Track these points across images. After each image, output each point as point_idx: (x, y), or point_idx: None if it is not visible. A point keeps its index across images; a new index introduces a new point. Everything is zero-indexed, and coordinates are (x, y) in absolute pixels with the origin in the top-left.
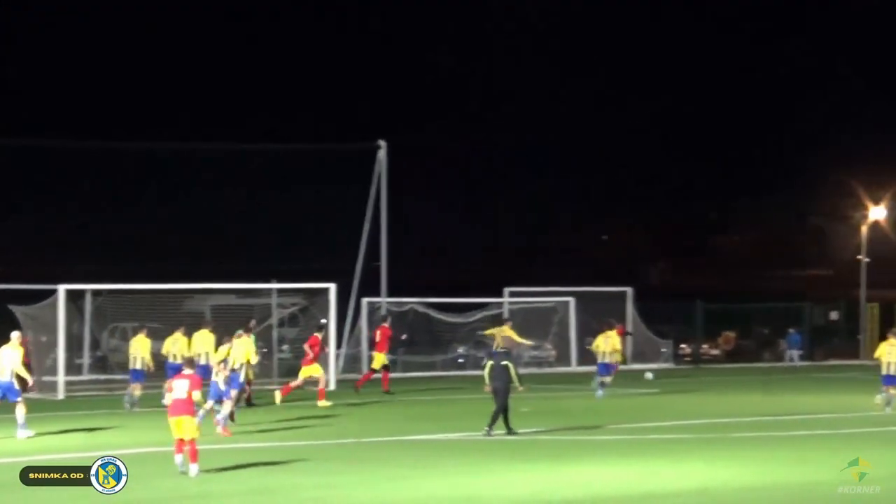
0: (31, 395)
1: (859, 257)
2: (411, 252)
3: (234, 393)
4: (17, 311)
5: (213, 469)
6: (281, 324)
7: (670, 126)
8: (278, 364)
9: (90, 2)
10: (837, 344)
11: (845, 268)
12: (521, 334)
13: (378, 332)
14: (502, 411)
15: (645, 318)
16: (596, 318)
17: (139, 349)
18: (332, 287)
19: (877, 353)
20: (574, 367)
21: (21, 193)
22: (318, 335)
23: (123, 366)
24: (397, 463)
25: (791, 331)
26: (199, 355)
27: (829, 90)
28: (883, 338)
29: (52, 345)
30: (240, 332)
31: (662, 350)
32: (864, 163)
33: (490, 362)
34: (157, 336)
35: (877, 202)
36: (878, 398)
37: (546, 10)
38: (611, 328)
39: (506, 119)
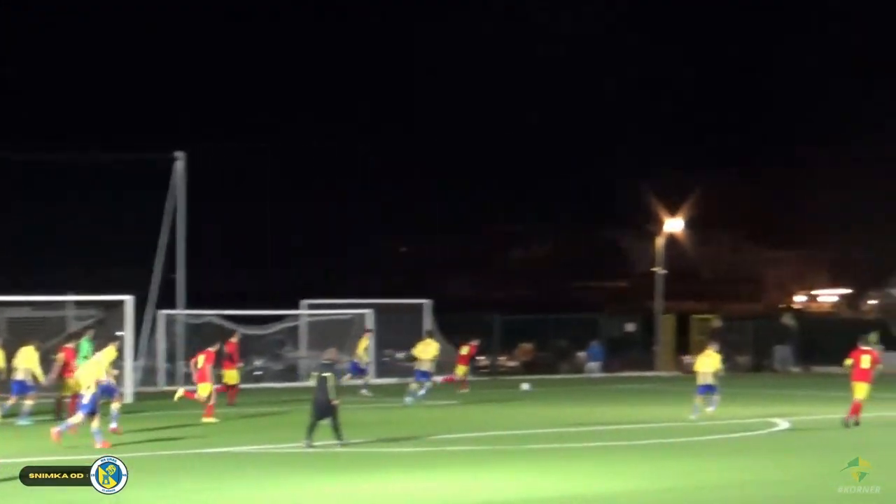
0: None
1: (655, 269)
2: (210, 263)
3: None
4: None
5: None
6: (77, 336)
7: (465, 140)
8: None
9: None
10: (634, 355)
11: (641, 280)
12: (318, 347)
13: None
14: (318, 423)
15: (444, 330)
16: (396, 329)
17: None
18: (128, 299)
19: (696, 366)
20: (372, 380)
21: None
22: (213, 350)
23: None
24: (193, 476)
25: (593, 343)
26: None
27: (621, 101)
28: (684, 349)
29: None
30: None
31: None
32: (660, 175)
33: (315, 374)
34: None
35: (673, 214)
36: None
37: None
38: (430, 336)
39: (303, 128)
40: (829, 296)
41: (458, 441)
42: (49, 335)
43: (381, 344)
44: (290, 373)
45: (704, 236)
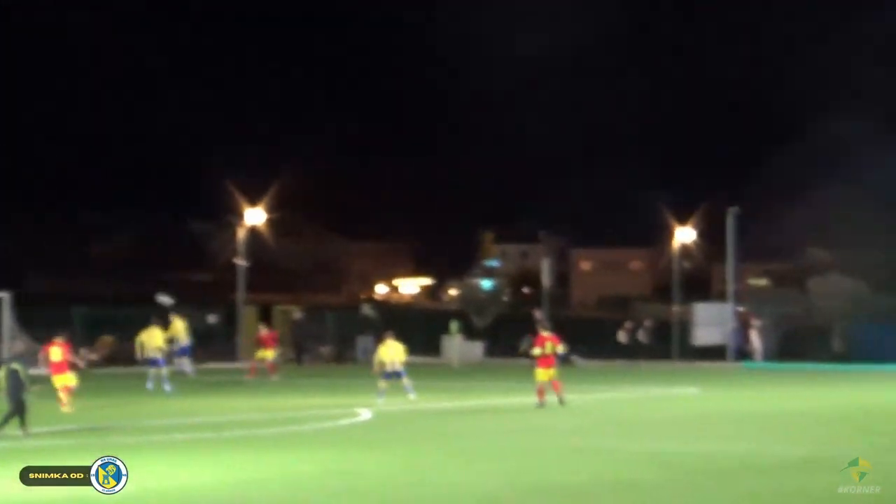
0: None
1: (237, 261)
2: None
3: None
4: None
5: None
6: None
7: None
8: None
9: None
10: (216, 347)
11: (224, 271)
12: None
13: None
14: (16, 414)
15: (24, 323)
16: None
17: None
18: None
19: (379, 356)
20: None
21: None
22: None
23: None
24: None
25: None
26: None
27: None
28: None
29: None
30: None
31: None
32: (244, 167)
33: (3, 367)
34: None
35: (254, 206)
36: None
37: None
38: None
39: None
40: (410, 286)
41: None
42: None
43: None
44: None
45: (287, 227)
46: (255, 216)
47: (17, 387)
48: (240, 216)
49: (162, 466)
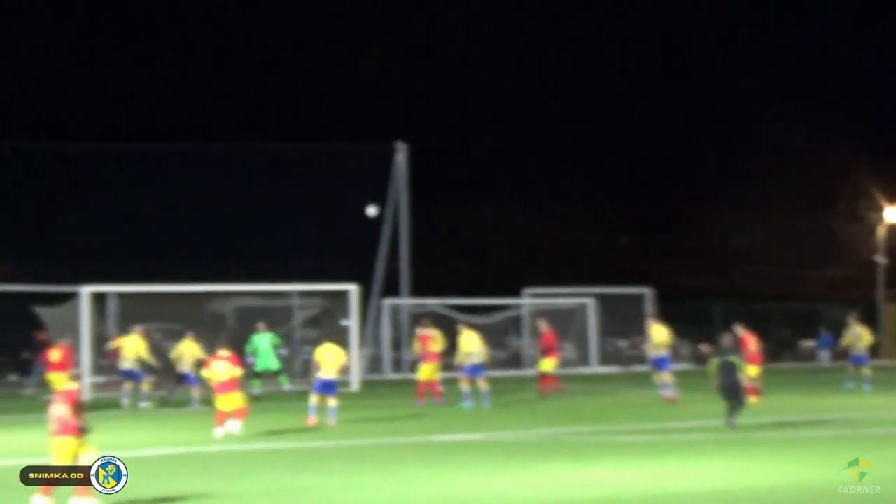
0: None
1: (876, 258)
2: (433, 253)
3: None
4: (43, 312)
5: (238, 470)
6: (303, 325)
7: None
8: (302, 365)
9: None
10: None
11: (862, 268)
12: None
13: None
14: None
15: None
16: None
17: (136, 350)
18: (352, 289)
19: None
20: (594, 368)
21: (44, 196)
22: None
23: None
24: (420, 463)
25: (822, 331)
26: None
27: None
28: None
29: (77, 346)
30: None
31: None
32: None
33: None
34: (175, 338)
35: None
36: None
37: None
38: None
39: (522, 120)
40: None
41: (676, 430)
42: (276, 324)
43: (605, 332)
44: (514, 361)
45: None
46: (894, 213)
47: (731, 377)
48: (879, 212)
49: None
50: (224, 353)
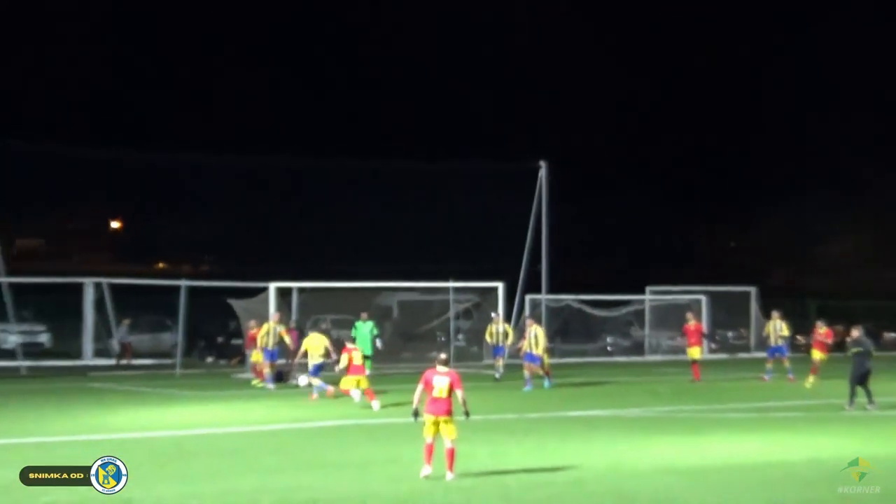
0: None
1: None
2: (568, 255)
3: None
4: (235, 304)
5: (402, 438)
6: (457, 317)
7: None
8: (454, 351)
9: None
10: None
11: None
12: (659, 326)
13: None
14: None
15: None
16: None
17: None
18: (500, 286)
19: None
20: (706, 356)
21: (245, 204)
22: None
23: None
24: (557, 435)
25: None
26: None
27: None
28: None
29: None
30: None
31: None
32: None
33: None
34: (345, 326)
35: None
36: None
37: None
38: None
39: (646, 143)
40: None
41: (777, 409)
42: (433, 317)
43: (715, 324)
44: (637, 349)
45: None
46: None
47: (864, 365)
48: None
49: None
50: (351, 345)
